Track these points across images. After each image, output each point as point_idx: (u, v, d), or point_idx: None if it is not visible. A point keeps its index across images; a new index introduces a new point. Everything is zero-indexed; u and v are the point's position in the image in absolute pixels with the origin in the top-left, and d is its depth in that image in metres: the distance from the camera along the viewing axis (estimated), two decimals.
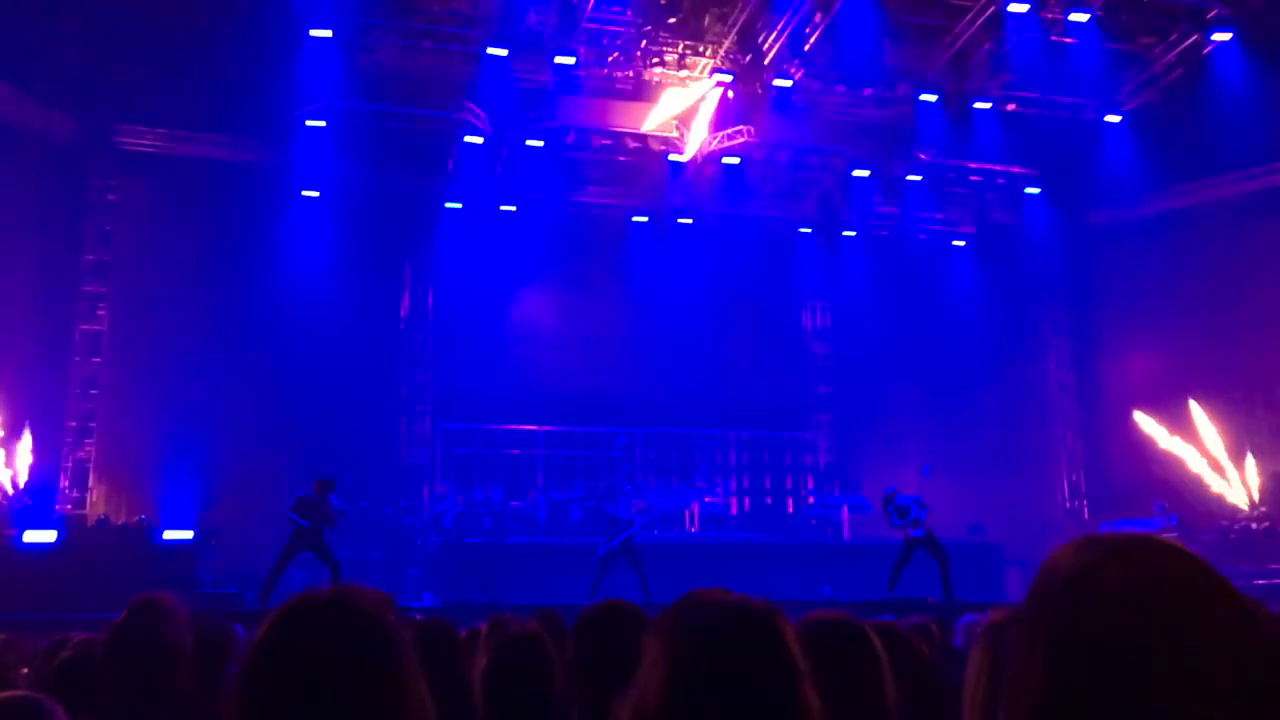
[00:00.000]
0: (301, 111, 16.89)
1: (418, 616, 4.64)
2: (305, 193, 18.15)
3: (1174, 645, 0.86)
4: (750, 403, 20.34)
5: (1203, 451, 18.34)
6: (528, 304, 18.70)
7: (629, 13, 16.32)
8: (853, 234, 20.77)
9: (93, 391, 17.07)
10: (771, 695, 1.37)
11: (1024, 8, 15.58)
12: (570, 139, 18.37)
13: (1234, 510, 17.70)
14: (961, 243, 21.33)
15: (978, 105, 17.80)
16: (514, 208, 19.28)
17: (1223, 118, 16.24)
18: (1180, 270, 18.60)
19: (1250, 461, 17.84)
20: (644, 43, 16.88)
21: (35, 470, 15.63)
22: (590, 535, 15.66)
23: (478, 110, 17.36)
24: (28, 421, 15.52)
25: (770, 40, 16.70)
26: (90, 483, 16.80)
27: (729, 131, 18.20)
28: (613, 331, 18.96)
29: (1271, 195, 18.26)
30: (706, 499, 18.38)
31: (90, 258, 17.51)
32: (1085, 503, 20.15)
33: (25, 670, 4.28)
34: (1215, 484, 18.03)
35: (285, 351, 16.34)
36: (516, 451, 18.98)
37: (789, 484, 20.33)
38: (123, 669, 2.83)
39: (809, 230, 20.97)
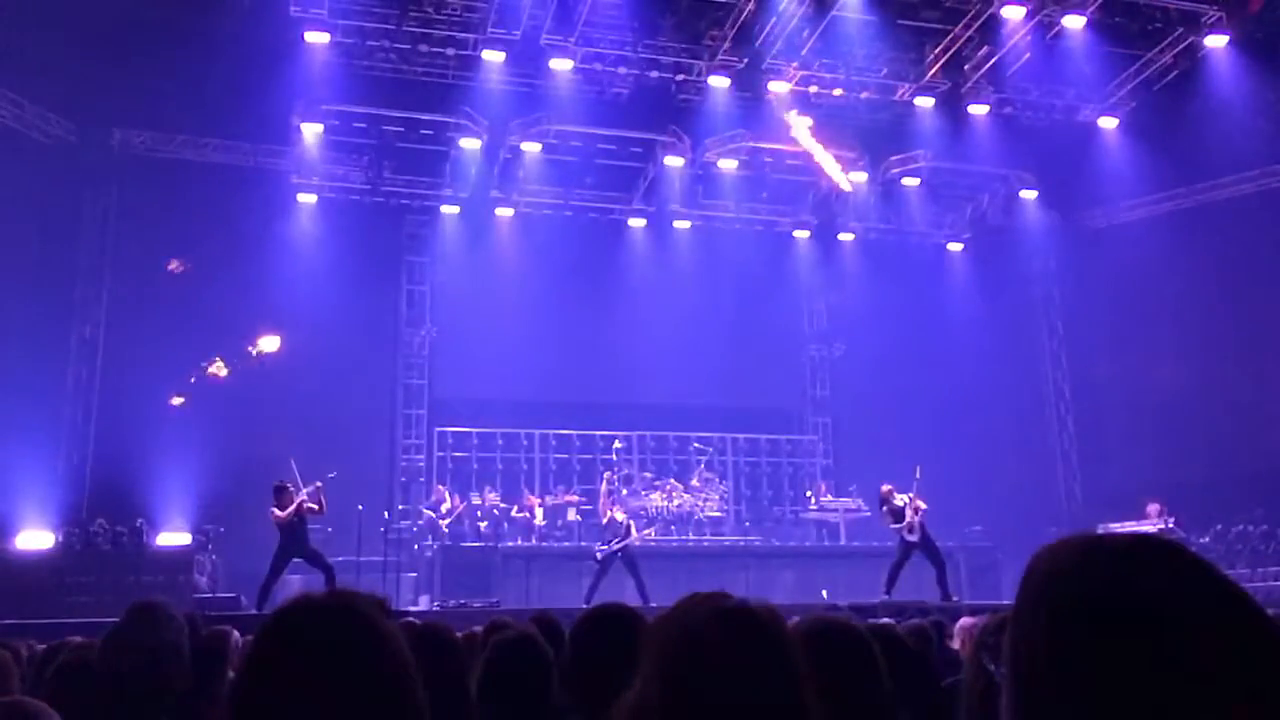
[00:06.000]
0: (298, 115, 16.89)
1: (414, 620, 4.63)
2: (301, 196, 18.16)
3: (1179, 644, 0.86)
4: (748, 406, 20.34)
5: None
6: (525, 307, 18.66)
7: (625, 15, 16.32)
8: (849, 237, 20.81)
9: (89, 394, 17.03)
10: (770, 699, 1.38)
11: (1020, 11, 15.62)
12: (567, 142, 18.37)
13: None
14: (958, 245, 21.36)
15: (973, 108, 17.83)
16: (510, 211, 19.30)
17: (1218, 121, 16.28)
18: (1176, 273, 18.61)
19: None
20: (640, 46, 16.89)
21: (32, 474, 15.59)
22: (587, 539, 15.66)
23: (474, 114, 17.36)
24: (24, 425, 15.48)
25: (767, 43, 16.71)
26: (87, 486, 16.75)
27: (727, 134, 18.21)
28: (610, 335, 18.94)
29: (1267, 198, 18.30)
30: (704, 502, 18.36)
31: (87, 260, 17.49)
32: (1083, 505, 20.15)
33: (21, 676, 4.27)
34: None
35: (282, 355, 16.32)
36: (513, 455, 18.94)
37: (787, 487, 20.32)
38: (120, 674, 2.82)
39: (806, 233, 21.01)
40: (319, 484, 12.11)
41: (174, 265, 15.47)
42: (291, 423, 15.85)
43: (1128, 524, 15.32)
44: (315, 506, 11.93)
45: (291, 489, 11.81)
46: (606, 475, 16.53)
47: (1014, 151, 18.77)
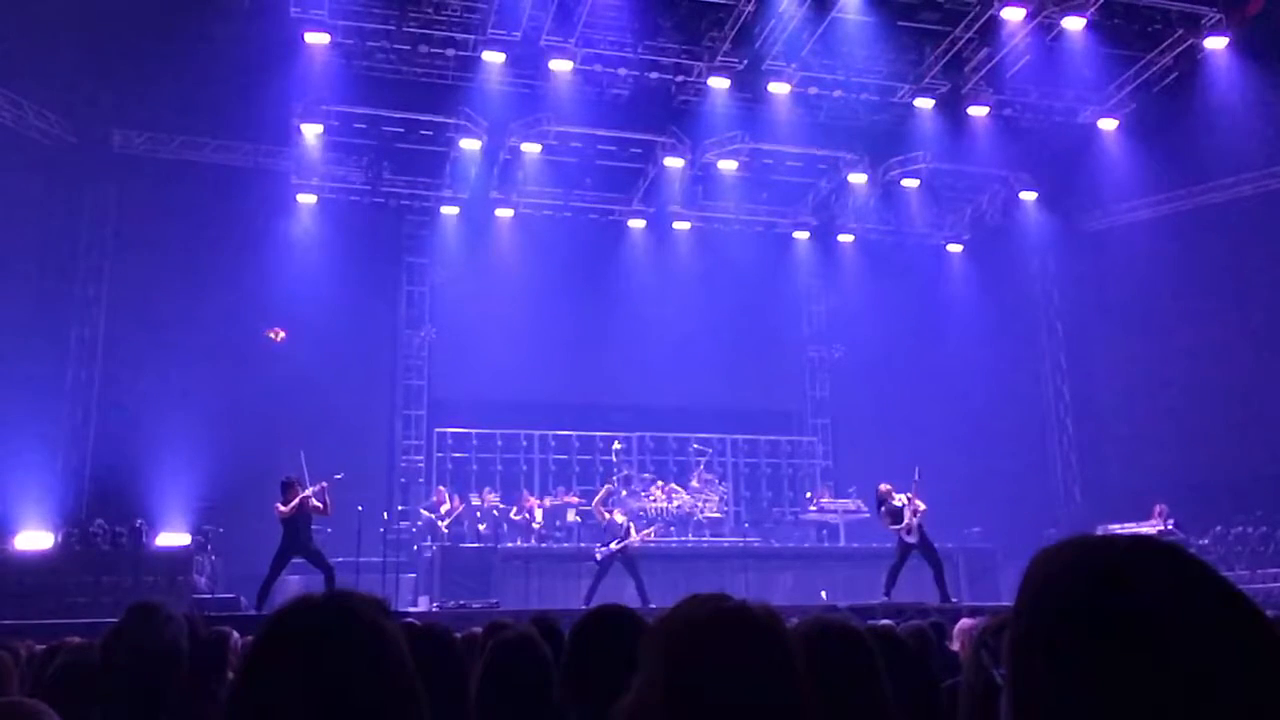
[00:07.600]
0: (298, 115, 16.89)
1: (414, 621, 4.63)
2: (301, 197, 18.16)
3: (1177, 646, 0.86)
4: (747, 407, 20.35)
5: None
6: (524, 308, 18.68)
7: (625, 16, 16.33)
8: (849, 238, 20.82)
9: (88, 395, 17.02)
10: (770, 700, 1.38)
11: (1020, 13, 15.63)
12: (567, 143, 18.38)
13: None
14: (957, 247, 21.37)
15: (973, 110, 17.83)
16: (510, 212, 19.30)
17: (1218, 123, 16.29)
18: (1176, 275, 18.63)
19: None
20: (640, 47, 16.89)
21: (31, 474, 15.59)
22: (586, 540, 15.65)
23: (474, 115, 17.37)
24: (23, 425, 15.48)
25: (767, 44, 16.72)
26: (86, 486, 16.73)
27: (726, 136, 18.22)
28: (609, 335, 18.94)
29: (1267, 199, 18.31)
30: (704, 503, 18.36)
31: (86, 261, 17.48)
32: (1082, 507, 20.16)
33: (20, 676, 4.26)
34: None
35: (281, 356, 16.31)
36: (513, 456, 18.94)
37: (786, 488, 20.32)
38: (119, 675, 2.82)
39: (806, 234, 21.02)
40: (325, 484, 12.08)
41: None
42: (291, 423, 15.83)
43: (1127, 525, 15.33)
44: (320, 506, 11.90)
45: (298, 485, 11.78)
46: (607, 485, 16.43)
47: (1014, 153, 18.77)
